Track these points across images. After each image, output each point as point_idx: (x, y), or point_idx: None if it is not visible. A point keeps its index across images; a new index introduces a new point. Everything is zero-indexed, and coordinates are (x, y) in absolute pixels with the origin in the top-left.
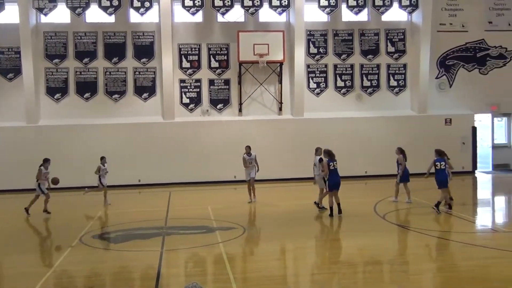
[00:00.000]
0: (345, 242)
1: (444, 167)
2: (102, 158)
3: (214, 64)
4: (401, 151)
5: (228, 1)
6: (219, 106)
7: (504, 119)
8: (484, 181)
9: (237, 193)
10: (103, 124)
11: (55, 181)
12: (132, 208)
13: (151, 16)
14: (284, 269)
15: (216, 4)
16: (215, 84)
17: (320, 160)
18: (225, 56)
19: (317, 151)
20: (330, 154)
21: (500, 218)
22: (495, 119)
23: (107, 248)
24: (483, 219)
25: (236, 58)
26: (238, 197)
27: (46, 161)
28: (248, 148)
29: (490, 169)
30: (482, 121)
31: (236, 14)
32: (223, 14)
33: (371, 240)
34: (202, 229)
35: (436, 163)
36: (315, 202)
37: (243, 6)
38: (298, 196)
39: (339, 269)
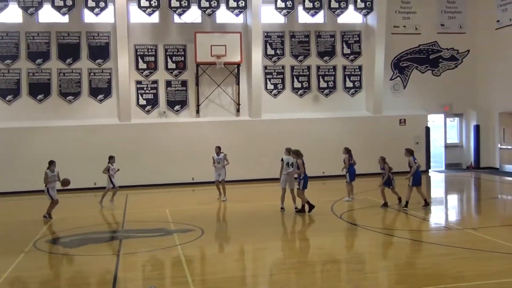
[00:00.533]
0: (303, 242)
1: (417, 165)
2: (111, 158)
3: (171, 65)
4: (347, 151)
5: (184, 2)
6: (176, 107)
7: (456, 119)
8: (437, 180)
9: (195, 195)
10: (57, 126)
11: (66, 182)
12: (88, 212)
13: (106, 17)
14: (243, 270)
15: (172, 5)
16: (172, 86)
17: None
18: (182, 57)
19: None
20: (300, 154)
21: (453, 216)
22: (447, 119)
23: (62, 253)
24: (436, 217)
25: (193, 59)
26: (196, 199)
27: (51, 163)
28: (217, 148)
29: (443, 168)
30: (435, 121)
31: (193, 15)
32: (179, 15)
33: (329, 240)
34: (160, 231)
35: (415, 161)
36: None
37: (200, 7)
38: (256, 197)
39: (297, 269)
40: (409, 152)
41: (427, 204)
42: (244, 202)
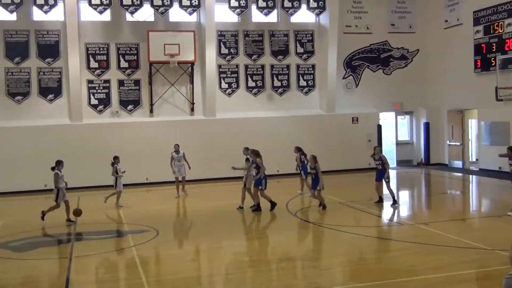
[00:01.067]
0: (259, 240)
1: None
2: (116, 158)
3: (124, 64)
4: (298, 149)
5: (137, 0)
6: (129, 107)
7: (407, 117)
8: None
9: (150, 195)
10: (5, 127)
11: (78, 213)
12: (38, 214)
13: (56, 14)
14: (199, 270)
15: (124, 3)
16: (125, 85)
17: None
18: (135, 56)
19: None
20: (258, 154)
21: (404, 212)
22: (398, 117)
23: (12, 258)
24: (388, 213)
25: (146, 58)
26: (151, 199)
27: (59, 163)
28: (176, 146)
29: (395, 165)
30: (386, 119)
31: (146, 13)
32: (132, 13)
33: (284, 237)
34: (113, 233)
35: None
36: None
37: (152, 5)
38: (210, 196)
39: (253, 268)
40: (381, 150)
41: (381, 200)
42: (199, 201)
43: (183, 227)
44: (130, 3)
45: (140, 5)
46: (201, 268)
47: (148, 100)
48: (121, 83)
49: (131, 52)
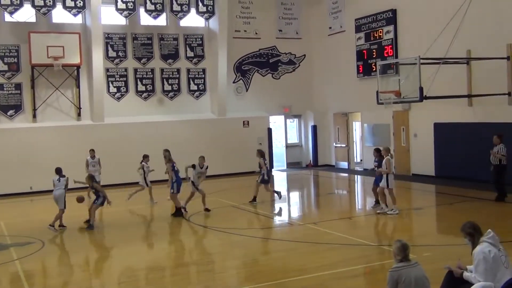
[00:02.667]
0: (152, 247)
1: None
2: (146, 157)
3: (3, 67)
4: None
5: (16, 0)
6: (10, 112)
7: (295, 120)
8: (280, 178)
9: (34, 205)
10: None
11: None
12: None
13: None
14: (89, 281)
15: (2, 3)
16: (5, 89)
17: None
18: (15, 59)
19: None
20: (171, 160)
21: (295, 212)
22: (287, 120)
23: None
24: (280, 214)
25: (27, 61)
26: (36, 209)
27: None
28: (92, 151)
29: (285, 167)
30: (276, 122)
31: (27, 13)
32: (11, 13)
33: (178, 243)
34: None
35: (265, 162)
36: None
37: (33, 5)
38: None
39: (146, 275)
40: (260, 154)
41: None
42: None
43: (71, 237)
44: (9, 3)
45: (20, 5)
46: (91, 279)
47: (31, 104)
48: (0, 87)
49: (10, 54)
